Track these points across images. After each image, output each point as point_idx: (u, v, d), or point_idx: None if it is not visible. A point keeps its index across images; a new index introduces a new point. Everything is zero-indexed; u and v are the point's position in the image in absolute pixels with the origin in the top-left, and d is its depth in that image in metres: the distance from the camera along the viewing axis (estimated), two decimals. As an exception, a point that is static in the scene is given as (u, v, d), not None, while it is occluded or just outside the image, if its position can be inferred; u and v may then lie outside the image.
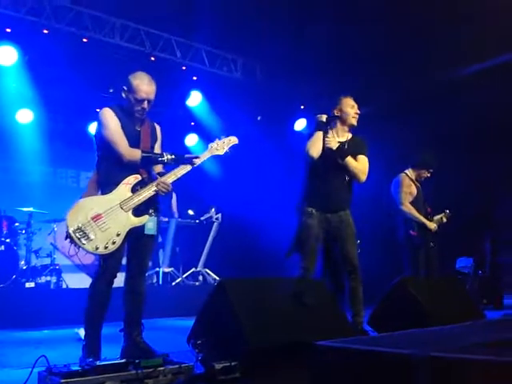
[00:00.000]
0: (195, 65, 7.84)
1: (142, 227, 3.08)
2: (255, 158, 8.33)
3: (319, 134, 3.84)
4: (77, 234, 2.88)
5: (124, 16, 7.03)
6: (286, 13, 6.45)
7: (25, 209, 6.55)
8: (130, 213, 3.04)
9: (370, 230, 7.33)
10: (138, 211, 3.08)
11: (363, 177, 3.91)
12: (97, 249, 2.91)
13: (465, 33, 5.97)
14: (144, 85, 3.16)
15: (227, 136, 3.45)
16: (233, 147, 3.46)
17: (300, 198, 3.90)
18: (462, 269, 7.16)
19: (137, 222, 3.06)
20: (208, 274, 7.42)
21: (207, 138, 8.28)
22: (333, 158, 3.85)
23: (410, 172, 5.24)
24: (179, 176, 3.22)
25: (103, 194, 3.10)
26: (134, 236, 3.09)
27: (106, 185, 3.11)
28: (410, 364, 1.51)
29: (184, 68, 7.78)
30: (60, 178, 8.45)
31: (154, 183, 3.13)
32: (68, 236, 2.93)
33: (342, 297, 3.73)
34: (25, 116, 7.71)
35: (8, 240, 6.21)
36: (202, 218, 7.69)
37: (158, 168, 3.31)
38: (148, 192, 3.11)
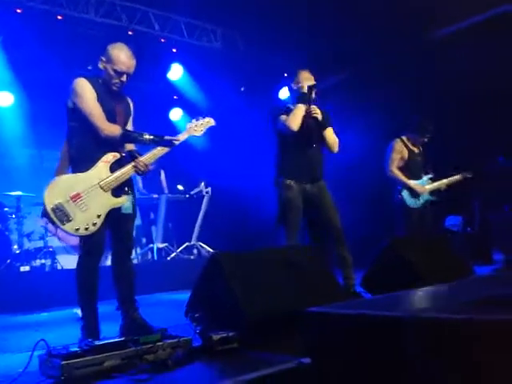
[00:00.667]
0: (174, 37, 7.70)
1: (120, 207, 3.05)
2: (241, 130, 8.29)
3: (301, 107, 3.84)
4: (56, 214, 2.83)
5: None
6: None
7: (13, 193, 6.51)
8: (109, 193, 2.99)
9: (362, 193, 7.41)
10: (117, 191, 3.04)
11: (337, 147, 4.02)
12: (77, 230, 2.88)
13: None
14: (124, 57, 3.07)
15: (204, 117, 3.43)
16: (210, 128, 3.45)
17: (276, 172, 3.96)
18: (451, 227, 7.28)
19: (117, 202, 3.03)
20: (202, 247, 7.48)
21: (191, 111, 8.22)
22: (312, 130, 3.89)
23: (405, 138, 5.30)
24: (158, 156, 3.17)
25: (78, 170, 3.00)
26: (113, 216, 3.04)
27: (80, 160, 3.01)
28: (400, 326, 1.55)
29: (163, 40, 7.64)
30: (46, 160, 8.32)
31: (133, 163, 3.07)
32: (45, 214, 2.87)
33: (329, 262, 3.81)
34: (5, 99, 7.56)
35: (-2, 225, 6.18)
36: (192, 193, 7.69)
37: (130, 146, 3.23)
38: (127, 172, 3.05)
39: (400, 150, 5.24)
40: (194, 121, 3.40)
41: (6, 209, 6.55)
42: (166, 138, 3.18)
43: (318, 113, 3.89)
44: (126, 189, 3.11)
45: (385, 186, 5.39)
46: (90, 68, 7.22)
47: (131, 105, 3.33)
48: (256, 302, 2.79)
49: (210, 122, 3.44)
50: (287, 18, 6.88)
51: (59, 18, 6.66)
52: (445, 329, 1.46)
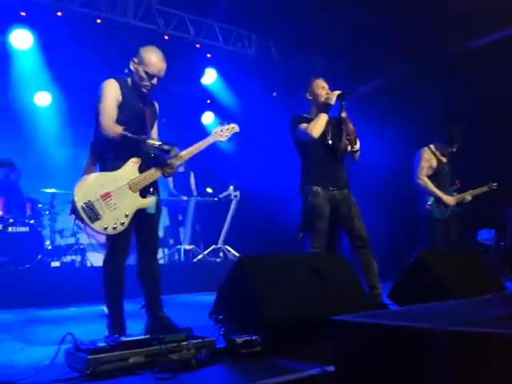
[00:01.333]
0: (209, 42, 7.79)
1: (145, 207, 3.08)
2: (271, 135, 8.30)
3: (324, 116, 3.86)
4: (86, 211, 2.87)
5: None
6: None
7: (47, 190, 6.69)
8: (137, 193, 3.04)
9: (389, 204, 7.31)
10: (144, 192, 3.08)
11: (358, 156, 3.99)
12: (105, 229, 2.92)
13: (478, 3, 5.82)
14: (157, 60, 3.09)
15: (229, 122, 3.49)
16: (239, 124, 3.51)
17: (302, 179, 3.96)
18: (483, 241, 7.10)
19: (144, 202, 3.07)
20: (228, 250, 7.51)
21: (223, 115, 8.28)
22: (336, 139, 3.89)
23: (433, 146, 5.23)
24: (186, 159, 3.23)
25: (107, 169, 3.05)
26: (138, 216, 3.07)
27: (110, 159, 3.04)
28: (429, 338, 1.52)
29: (198, 46, 7.74)
30: (81, 159, 8.48)
31: (160, 166, 3.10)
32: (74, 211, 2.90)
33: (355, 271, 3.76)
34: (43, 99, 7.79)
35: (32, 221, 6.35)
36: (220, 196, 7.75)
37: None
38: (155, 173, 3.09)
39: (429, 159, 5.17)
40: (219, 125, 3.45)
41: (40, 205, 6.73)
42: (167, 147, 3.03)
43: (349, 125, 3.90)
44: (152, 189, 3.14)
45: (412, 197, 5.31)
46: (126, 71, 7.40)
47: (157, 108, 3.36)
48: (279, 307, 2.79)
49: (234, 128, 3.48)
50: (320, 24, 6.88)
51: (98, 21, 6.83)
52: (472, 342, 1.44)
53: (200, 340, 2.56)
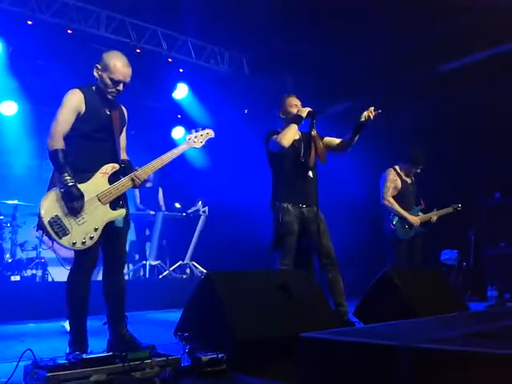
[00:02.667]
0: (182, 57, 7.80)
1: (113, 220, 2.99)
2: (242, 151, 8.33)
3: (294, 127, 3.88)
4: (53, 227, 2.77)
5: (110, 7, 6.95)
6: (273, 6, 6.43)
7: (9, 201, 6.49)
8: (107, 206, 2.95)
9: (355, 223, 7.42)
10: (114, 204, 2.98)
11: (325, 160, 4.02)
12: (74, 244, 2.81)
13: (451, 26, 6.04)
14: (121, 65, 3.01)
15: (204, 128, 3.35)
16: (210, 140, 3.36)
17: (273, 195, 3.97)
18: (446, 261, 7.26)
19: (114, 215, 2.97)
20: (195, 266, 7.43)
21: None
22: (307, 155, 3.92)
23: (398, 167, 5.34)
24: (156, 169, 3.10)
25: (76, 181, 2.86)
26: (106, 230, 2.97)
27: (77, 171, 2.89)
28: (394, 355, 1.53)
29: (170, 60, 7.73)
30: (46, 171, 8.31)
31: (131, 175, 3.02)
32: (41, 227, 2.80)
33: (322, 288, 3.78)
34: (9, 108, 7.61)
35: (-8, 234, 6.14)
36: (189, 211, 7.68)
37: (124, 155, 3.18)
38: (125, 184, 3.00)
39: (394, 180, 5.27)
40: (193, 132, 3.32)
41: (1, 217, 6.51)
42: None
43: (318, 143, 3.94)
44: (121, 202, 3.05)
45: (378, 217, 5.39)
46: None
47: (125, 113, 3.27)
48: (247, 324, 2.76)
49: (209, 133, 3.35)
50: (293, 43, 6.99)
51: (69, 31, 6.75)
52: (437, 359, 1.45)
53: (164, 358, 2.50)
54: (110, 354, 2.47)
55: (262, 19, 6.61)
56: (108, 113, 3.07)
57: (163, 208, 7.79)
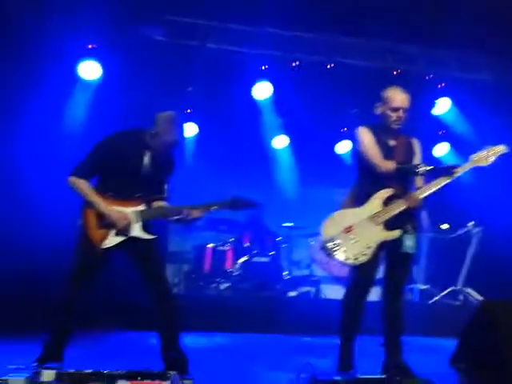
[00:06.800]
0: (442, 71, 7.46)
1: (399, 244, 3.08)
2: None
3: None
4: (329, 244, 3.07)
5: (366, 36, 7.15)
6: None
7: (286, 224, 7.31)
8: (381, 226, 3.08)
9: None
10: (391, 225, 3.09)
11: None
12: (347, 259, 3.05)
13: None
14: (397, 94, 3.29)
15: (492, 146, 3.25)
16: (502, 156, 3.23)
17: None
18: None
19: (387, 235, 3.08)
20: (469, 293, 6.86)
21: (459, 145, 7.72)
22: None
23: None
24: (434, 190, 3.14)
25: (356, 206, 3.23)
26: (391, 252, 3.12)
27: (359, 197, 3.25)
28: None
29: (429, 77, 7.49)
30: (312, 198, 9.06)
31: (405, 197, 3.13)
32: (322, 244, 3.14)
33: None
34: (280, 142, 8.59)
35: (272, 253, 6.93)
36: (458, 232, 7.20)
37: (419, 182, 3.29)
38: (398, 206, 3.10)
39: None
40: (478, 152, 3.25)
41: (279, 238, 7.33)
42: (442, 167, 3.18)
43: None
44: (408, 227, 3.15)
45: None
46: (355, 111, 7.63)
47: (415, 144, 3.44)
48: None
49: (500, 149, 3.24)
50: None
51: (328, 66, 7.18)
52: None
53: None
54: (384, 376, 2.49)
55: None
56: (391, 144, 3.31)
57: (428, 229, 7.49)
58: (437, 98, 7.85)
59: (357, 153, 3.35)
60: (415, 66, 7.39)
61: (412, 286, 7.09)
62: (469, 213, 7.55)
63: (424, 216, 7.65)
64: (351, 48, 7.20)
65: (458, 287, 6.95)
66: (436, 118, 8.13)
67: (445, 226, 7.49)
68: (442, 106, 7.92)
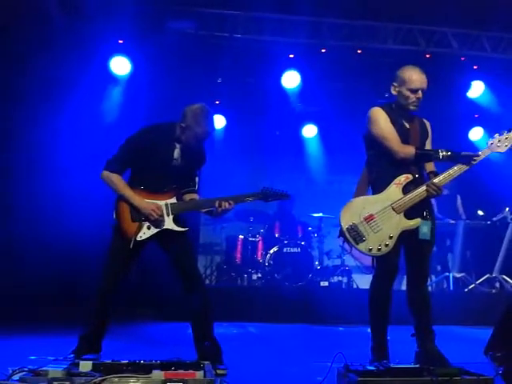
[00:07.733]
0: (475, 53, 7.23)
1: (417, 232, 3.01)
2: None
3: None
4: (350, 233, 2.98)
5: (396, 19, 7.00)
6: None
7: (315, 214, 7.28)
8: (401, 215, 3.01)
9: None
10: (411, 213, 3.02)
11: None
12: (370, 250, 2.97)
13: None
14: (417, 74, 3.12)
15: (510, 130, 3.11)
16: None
17: None
18: None
19: (409, 224, 3.01)
20: (506, 280, 6.69)
21: (494, 129, 7.49)
22: None
23: None
24: (454, 176, 3.05)
25: (374, 193, 3.13)
26: (409, 240, 3.03)
27: (377, 184, 3.13)
28: None
29: (463, 59, 7.28)
30: (345, 184, 8.93)
31: (425, 185, 3.03)
32: (341, 234, 3.05)
33: None
34: (310, 131, 8.54)
35: (303, 243, 6.92)
36: (494, 219, 7.01)
37: (430, 166, 3.19)
38: (419, 194, 3.02)
39: None
40: (496, 136, 3.14)
41: (309, 228, 7.31)
42: (464, 153, 3.04)
43: None
44: (425, 213, 3.07)
45: None
46: (386, 96, 7.45)
47: (427, 126, 3.30)
48: None
49: None
50: None
51: (359, 51, 7.07)
52: None
53: (475, 377, 2.34)
54: (418, 366, 2.46)
55: None
56: (407, 126, 3.18)
57: (463, 216, 7.32)
58: (471, 80, 7.64)
59: (370, 135, 3.16)
60: (448, 48, 7.19)
61: (447, 274, 6.96)
62: (505, 199, 7.35)
63: (459, 203, 7.49)
64: (381, 32, 7.05)
65: (494, 275, 6.78)
66: (471, 101, 7.92)
67: (481, 213, 7.30)
68: (476, 89, 7.71)
